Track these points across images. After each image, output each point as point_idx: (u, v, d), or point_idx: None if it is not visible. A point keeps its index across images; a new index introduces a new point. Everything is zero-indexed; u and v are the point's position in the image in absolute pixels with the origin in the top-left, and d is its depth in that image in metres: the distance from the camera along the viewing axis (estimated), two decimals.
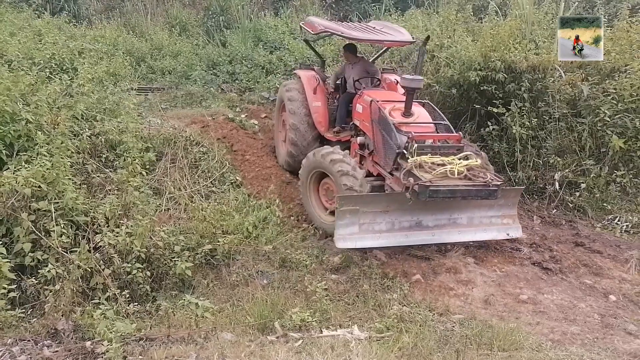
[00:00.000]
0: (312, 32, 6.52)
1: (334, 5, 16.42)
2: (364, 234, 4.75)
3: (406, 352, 3.24)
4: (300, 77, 7.07)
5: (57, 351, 2.98)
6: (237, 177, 6.51)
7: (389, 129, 5.13)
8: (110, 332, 3.15)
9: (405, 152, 4.88)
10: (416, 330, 3.53)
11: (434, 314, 4.04)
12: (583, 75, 6.29)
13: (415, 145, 4.87)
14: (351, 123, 6.28)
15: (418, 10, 12.78)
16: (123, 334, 3.22)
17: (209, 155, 6.68)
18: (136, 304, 4.05)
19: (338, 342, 3.26)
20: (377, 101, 5.46)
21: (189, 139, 6.74)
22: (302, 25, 7.05)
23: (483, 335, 3.58)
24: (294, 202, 6.25)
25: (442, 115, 5.68)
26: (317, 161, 5.54)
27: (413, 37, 6.07)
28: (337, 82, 6.97)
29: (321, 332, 3.46)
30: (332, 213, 5.38)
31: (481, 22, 8.78)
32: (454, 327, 3.84)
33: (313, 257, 4.96)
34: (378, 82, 6.59)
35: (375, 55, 7.93)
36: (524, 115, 6.58)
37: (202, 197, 5.81)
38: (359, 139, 5.90)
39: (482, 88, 6.92)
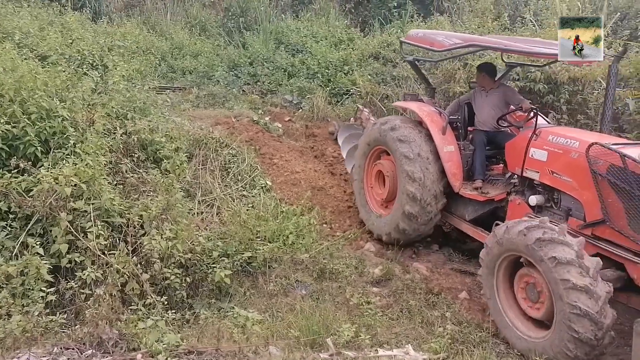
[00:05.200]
0: (438, 50, 5.01)
1: (353, 10, 16.30)
2: None
3: None
4: (417, 114, 5.33)
5: None
6: (267, 182, 6.36)
7: None
8: (159, 344, 3.00)
9: None
10: (480, 353, 3.36)
11: (486, 334, 3.86)
12: (632, 90, 6.14)
13: None
14: (508, 175, 4.91)
15: (442, 17, 12.63)
16: (169, 346, 3.07)
17: (239, 158, 6.54)
18: (174, 311, 3.90)
19: None
20: (609, 147, 3.76)
21: (218, 141, 6.59)
22: (407, 41, 5.58)
23: None
24: (327, 210, 6.09)
25: None
26: (510, 242, 3.76)
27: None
28: (455, 116, 5.46)
29: (377, 351, 3.29)
30: (539, 323, 3.79)
31: (513, 32, 8.63)
32: (508, 349, 3.67)
33: (352, 268, 4.81)
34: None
35: (500, 75, 5.88)
36: None
37: (234, 201, 5.65)
38: (534, 199, 4.41)
39: None
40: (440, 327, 3.84)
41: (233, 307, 3.95)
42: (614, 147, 3.77)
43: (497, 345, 3.71)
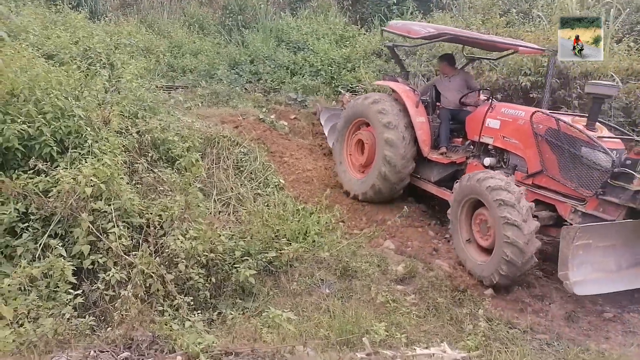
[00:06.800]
0: (414, 37, 5.69)
1: (351, 8, 16.23)
2: (597, 274, 4.08)
3: None
4: (395, 91, 6.21)
5: None
6: (281, 180, 6.29)
7: (579, 145, 4.43)
8: (196, 345, 2.93)
9: (627, 171, 4.18)
10: (518, 350, 3.32)
11: (516, 331, 3.84)
12: None
13: None
14: (467, 142, 5.77)
15: (442, 13, 12.62)
16: (206, 347, 3.00)
17: (250, 157, 6.46)
18: (198, 312, 3.83)
19: None
20: (547, 113, 4.80)
21: (229, 139, 6.51)
22: (388, 30, 6.39)
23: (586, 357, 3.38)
24: (343, 208, 6.02)
25: (621, 129, 5.05)
26: (471, 187, 4.77)
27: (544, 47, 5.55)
28: (424, 97, 6.29)
29: (414, 350, 3.24)
30: (487, 251, 4.74)
31: (519, 29, 8.61)
32: (542, 346, 3.64)
33: (374, 266, 4.74)
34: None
35: (463, 64, 7.06)
36: None
37: (251, 200, 5.58)
38: (488, 160, 5.37)
39: (531, 95, 6.75)
40: (470, 324, 3.81)
41: (259, 307, 3.89)
42: (551, 114, 4.77)
43: (530, 342, 3.68)
